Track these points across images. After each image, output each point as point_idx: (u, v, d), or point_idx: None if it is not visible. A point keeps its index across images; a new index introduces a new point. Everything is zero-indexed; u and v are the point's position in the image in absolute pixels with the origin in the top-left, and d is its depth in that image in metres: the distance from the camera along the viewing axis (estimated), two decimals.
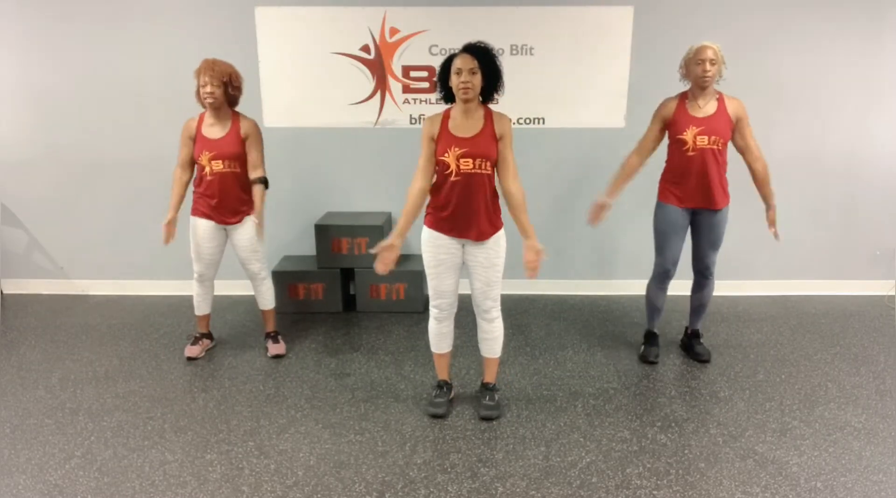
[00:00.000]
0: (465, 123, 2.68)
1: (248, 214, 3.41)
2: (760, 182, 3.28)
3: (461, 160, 2.64)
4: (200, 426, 2.91)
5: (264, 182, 3.36)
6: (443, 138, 2.68)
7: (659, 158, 3.36)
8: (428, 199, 2.81)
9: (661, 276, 3.45)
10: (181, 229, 3.46)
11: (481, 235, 2.75)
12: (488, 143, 2.67)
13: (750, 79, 4.20)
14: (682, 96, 3.22)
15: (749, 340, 3.85)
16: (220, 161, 3.25)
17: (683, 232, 3.35)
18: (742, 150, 3.25)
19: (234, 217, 3.37)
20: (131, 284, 4.67)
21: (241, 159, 3.31)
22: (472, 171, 2.65)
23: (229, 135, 3.26)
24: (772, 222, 3.33)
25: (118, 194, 4.51)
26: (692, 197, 3.23)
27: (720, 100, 3.17)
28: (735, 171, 3.36)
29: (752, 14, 4.13)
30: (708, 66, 3.06)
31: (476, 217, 2.72)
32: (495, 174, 2.75)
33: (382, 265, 2.70)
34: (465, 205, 2.69)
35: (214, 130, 3.26)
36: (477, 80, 2.60)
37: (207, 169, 3.25)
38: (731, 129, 3.17)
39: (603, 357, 3.61)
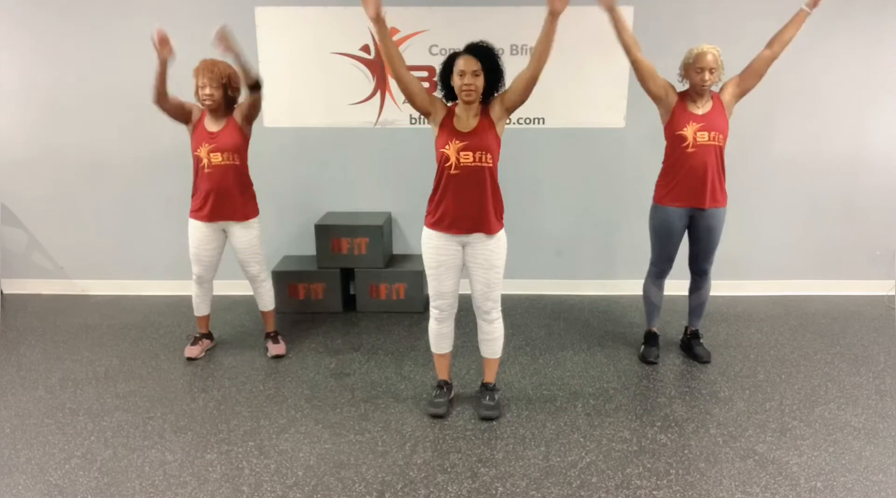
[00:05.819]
0: (466, 121, 2.71)
1: (250, 218, 3.42)
2: (781, 39, 3.15)
3: (461, 153, 2.65)
4: (200, 426, 2.91)
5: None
6: (445, 129, 2.71)
7: (658, 160, 3.36)
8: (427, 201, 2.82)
9: (657, 273, 3.48)
10: (179, 230, 3.46)
11: (482, 228, 2.74)
12: (488, 135, 2.69)
13: None
14: (682, 94, 3.23)
15: (749, 340, 3.85)
16: (219, 153, 3.25)
17: (680, 234, 3.35)
18: (754, 71, 3.18)
19: (234, 214, 3.37)
20: (131, 284, 4.67)
21: (239, 151, 3.32)
22: (473, 164, 2.67)
23: (227, 127, 3.27)
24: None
25: (118, 194, 4.50)
26: (689, 194, 3.22)
27: (714, 96, 3.20)
28: (733, 172, 3.35)
29: (752, 14, 4.12)
30: (707, 76, 3.07)
31: (477, 210, 2.72)
32: (497, 168, 2.75)
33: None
34: (465, 198, 2.70)
35: (212, 125, 3.29)
36: (480, 81, 2.63)
37: (205, 161, 3.25)
38: (727, 121, 3.19)
39: (603, 357, 3.61)
